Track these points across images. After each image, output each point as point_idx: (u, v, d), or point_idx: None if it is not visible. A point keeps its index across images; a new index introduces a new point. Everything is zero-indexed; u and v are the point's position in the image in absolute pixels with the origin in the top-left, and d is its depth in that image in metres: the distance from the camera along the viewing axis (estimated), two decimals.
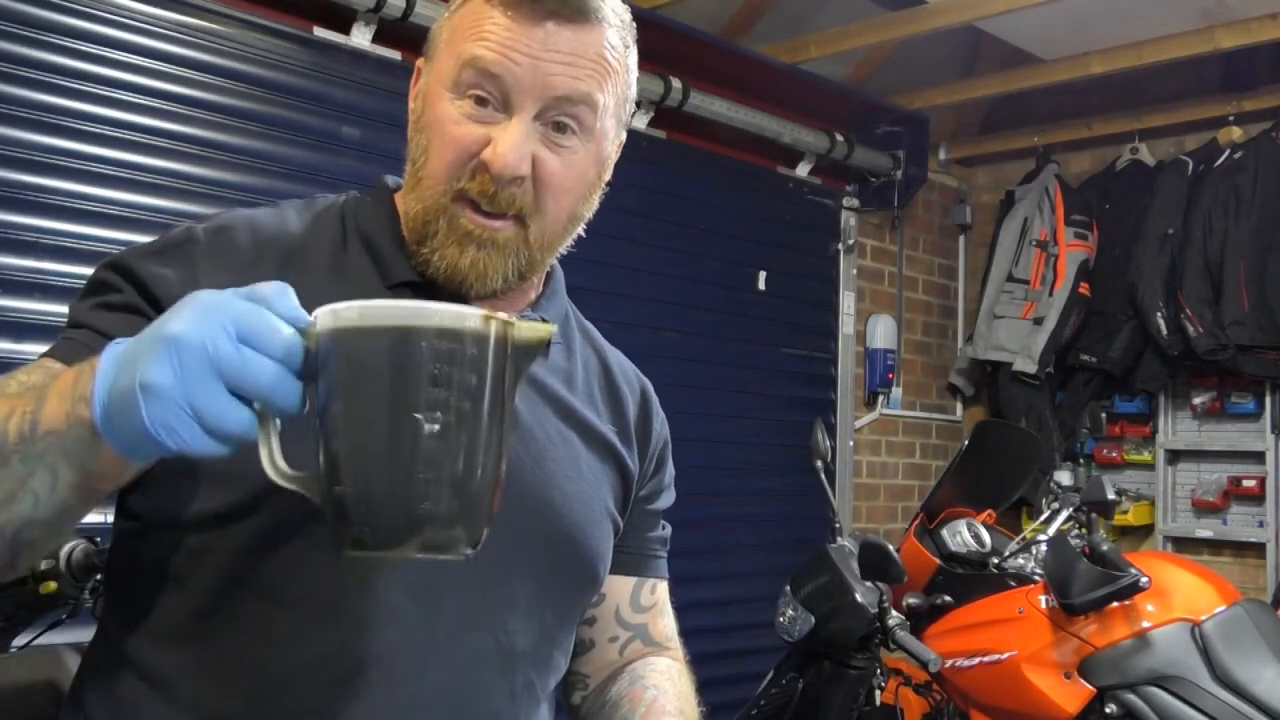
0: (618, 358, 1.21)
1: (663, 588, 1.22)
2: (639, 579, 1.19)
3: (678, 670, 1.17)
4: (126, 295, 0.95)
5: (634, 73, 1.06)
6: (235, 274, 0.96)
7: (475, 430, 0.70)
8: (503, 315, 0.71)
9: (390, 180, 1.11)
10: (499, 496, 0.74)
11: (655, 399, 1.22)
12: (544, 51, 0.96)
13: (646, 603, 1.19)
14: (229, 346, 0.68)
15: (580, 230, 1.08)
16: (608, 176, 1.09)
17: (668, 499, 1.23)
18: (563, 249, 1.08)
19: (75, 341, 0.93)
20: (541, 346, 0.73)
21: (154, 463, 0.90)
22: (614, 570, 1.14)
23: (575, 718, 1.18)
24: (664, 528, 1.23)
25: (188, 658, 0.93)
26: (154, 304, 0.94)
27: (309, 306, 0.97)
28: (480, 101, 0.97)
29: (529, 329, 0.72)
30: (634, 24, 1.05)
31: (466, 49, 0.97)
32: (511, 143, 0.96)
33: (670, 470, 1.23)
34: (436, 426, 0.69)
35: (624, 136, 1.09)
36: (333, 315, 0.70)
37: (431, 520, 0.70)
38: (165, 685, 0.94)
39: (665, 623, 1.22)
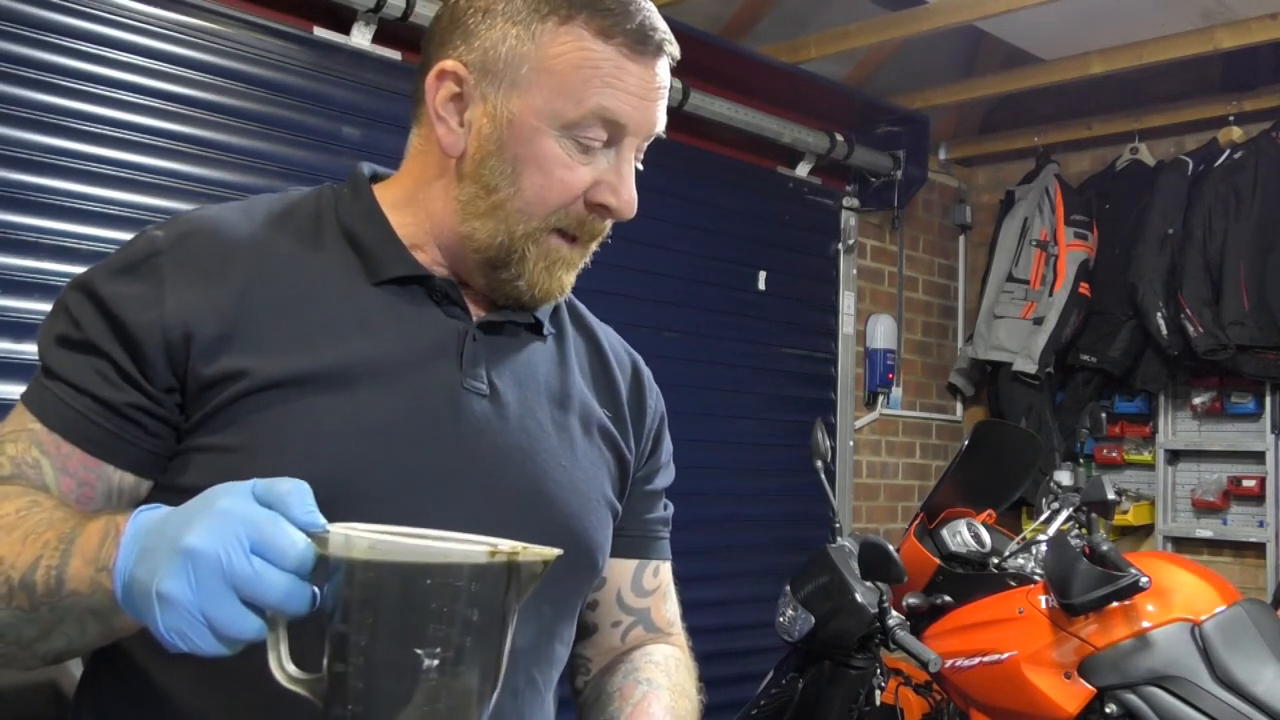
0: (608, 336, 1.21)
1: (666, 569, 1.21)
2: (640, 561, 1.18)
3: (676, 660, 1.16)
4: (85, 329, 0.95)
5: None
6: (204, 282, 0.96)
7: (473, 662, 0.72)
8: (507, 545, 0.72)
9: (366, 168, 1.10)
10: (490, 708, 0.75)
11: (647, 373, 1.21)
12: (654, 92, 1.02)
13: (649, 586, 1.19)
14: (243, 560, 0.70)
15: None
16: None
17: (666, 477, 1.22)
18: None
19: (50, 394, 0.95)
20: (546, 570, 0.74)
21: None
22: (615, 553, 1.13)
23: (576, 701, 1.18)
24: (665, 507, 1.22)
25: (183, 672, 0.93)
26: (117, 328, 0.94)
27: (285, 308, 0.97)
28: (593, 148, 1.00)
29: (535, 555, 0.73)
30: None
31: (593, 96, 0.98)
32: (631, 186, 1.01)
33: (668, 447, 1.22)
34: (435, 662, 0.70)
35: None
36: (345, 541, 0.70)
37: None
38: (161, 700, 0.94)
39: (668, 607, 1.21)
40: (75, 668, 1.17)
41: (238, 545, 0.70)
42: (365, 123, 3.00)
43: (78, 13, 2.57)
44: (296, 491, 0.73)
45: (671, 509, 1.23)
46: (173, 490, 0.92)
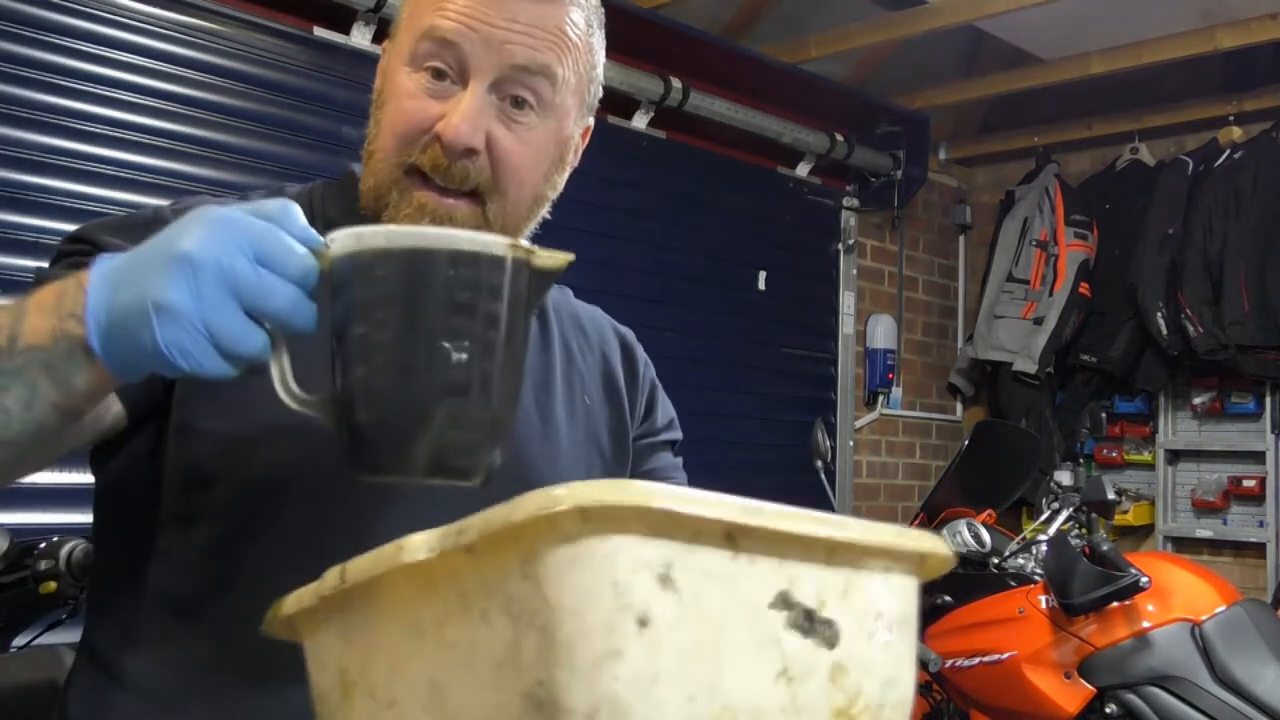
0: (591, 314, 1.19)
1: None
2: None
3: None
4: (84, 258, 0.91)
5: (599, 54, 1.05)
6: None
7: (496, 356, 0.70)
8: (524, 242, 0.71)
9: (357, 168, 1.10)
10: (512, 424, 0.74)
11: (638, 346, 1.20)
12: (503, 20, 0.95)
13: None
14: (246, 267, 0.66)
15: (545, 213, 1.06)
16: (573, 160, 1.07)
17: (671, 434, 1.20)
18: (527, 232, 1.06)
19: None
20: (559, 273, 0.73)
21: (126, 424, 0.90)
22: None
23: None
24: (675, 455, 1.19)
25: (165, 663, 0.93)
26: None
27: None
28: (438, 75, 0.96)
29: (548, 256, 0.72)
30: (601, 9, 1.04)
31: (424, 20, 0.96)
32: (463, 113, 0.95)
33: (663, 409, 1.20)
34: (464, 354, 0.68)
35: (590, 122, 1.08)
36: (356, 238, 0.69)
37: (451, 448, 0.70)
38: (144, 691, 0.94)
39: None
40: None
41: (240, 253, 0.66)
42: (365, 123, 3.00)
43: (78, 13, 2.57)
44: (285, 207, 0.70)
45: (681, 459, 1.20)
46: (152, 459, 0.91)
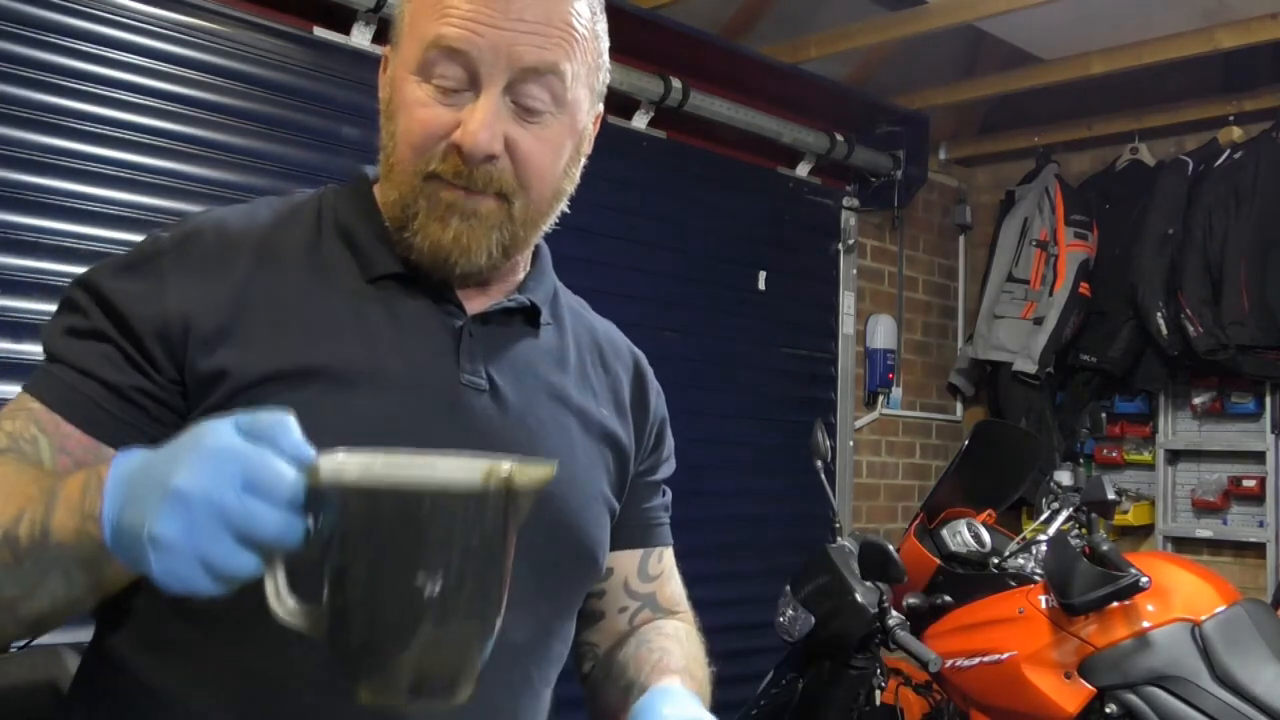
0: (608, 331, 1.20)
1: (668, 553, 1.22)
2: (645, 550, 1.18)
3: (685, 632, 1.16)
4: (92, 319, 0.95)
5: (604, 40, 1.05)
6: (204, 278, 0.97)
7: (476, 585, 0.70)
8: (505, 464, 0.71)
9: (370, 171, 1.10)
10: (493, 636, 0.74)
11: (649, 372, 1.21)
12: (508, 22, 0.95)
13: (654, 571, 1.19)
14: (235, 500, 0.69)
15: (564, 206, 1.07)
16: (587, 149, 1.07)
17: (668, 469, 1.22)
18: (547, 226, 1.07)
19: (53, 377, 0.95)
20: (543, 487, 0.73)
21: None
22: (619, 545, 1.14)
23: (585, 685, 1.18)
24: (664, 494, 1.22)
25: (178, 665, 0.93)
26: (119, 322, 0.94)
27: (284, 304, 0.97)
28: (447, 86, 0.97)
29: (530, 474, 0.72)
30: None
31: (430, 29, 0.96)
32: (482, 120, 0.95)
33: (669, 444, 1.22)
34: (438, 588, 0.69)
35: (600, 108, 1.08)
36: (335, 469, 0.69)
37: (430, 674, 0.71)
38: (156, 693, 0.94)
39: (673, 587, 1.21)
40: (74, 668, 1.17)
41: (228, 483, 0.69)
42: (365, 123, 2.99)
43: (78, 13, 2.57)
44: (281, 423, 0.72)
45: (670, 495, 1.23)
46: None
